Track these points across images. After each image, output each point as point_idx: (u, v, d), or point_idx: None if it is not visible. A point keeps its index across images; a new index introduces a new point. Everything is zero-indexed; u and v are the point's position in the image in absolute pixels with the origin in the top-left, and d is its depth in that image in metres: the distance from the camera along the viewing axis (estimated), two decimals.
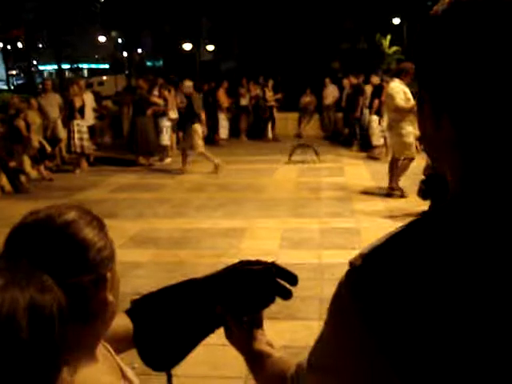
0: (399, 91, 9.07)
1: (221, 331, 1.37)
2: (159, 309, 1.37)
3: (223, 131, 17.14)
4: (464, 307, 0.74)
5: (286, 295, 1.29)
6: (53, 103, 13.51)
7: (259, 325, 1.37)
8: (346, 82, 16.54)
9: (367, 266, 0.81)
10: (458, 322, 0.74)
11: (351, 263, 0.83)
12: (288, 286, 1.30)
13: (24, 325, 0.68)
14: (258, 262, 1.34)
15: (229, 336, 1.37)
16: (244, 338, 1.34)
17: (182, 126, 12.65)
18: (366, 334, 0.78)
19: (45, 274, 0.79)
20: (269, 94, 17.84)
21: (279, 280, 1.31)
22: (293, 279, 1.30)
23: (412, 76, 8.89)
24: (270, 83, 18.28)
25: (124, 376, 1.27)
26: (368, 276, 0.80)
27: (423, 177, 6.40)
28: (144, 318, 1.36)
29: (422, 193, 6.13)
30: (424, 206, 8.04)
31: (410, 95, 8.94)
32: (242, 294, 1.32)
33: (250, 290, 1.32)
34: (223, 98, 17.03)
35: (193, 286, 1.39)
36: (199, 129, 12.09)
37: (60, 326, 0.75)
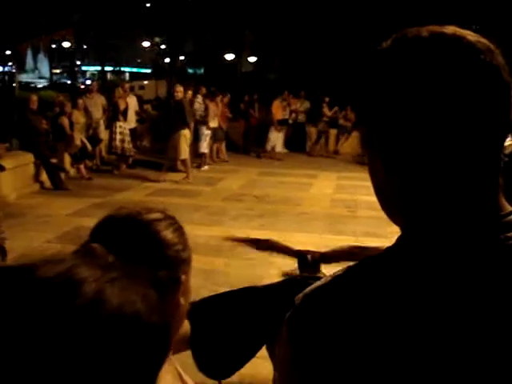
0: None
1: None
2: (218, 314, 1.36)
3: (278, 145, 16.93)
4: (382, 343, 0.77)
5: None
6: (97, 104, 13.71)
7: None
8: None
9: (304, 305, 0.86)
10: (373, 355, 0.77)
11: (295, 300, 0.88)
12: None
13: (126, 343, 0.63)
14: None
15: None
16: None
17: (169, 132, 12.41)
18: (294, 364, 0.84)
19: (153, 291, 0.77)
20: (326, 109, 17.70)
21: None
22: None
23: None
24: (327, 99, 18.11)
25: (181, 377, 1.27)
26: (303, 314, 0.85)
27: None
28: (202, 322, 1.35)
29: None
30: None
31: None
32: None
33: None
34: (277, 110, 16.90)
35: (253, 294, 1.38)
36: (187, 135, 12.07)
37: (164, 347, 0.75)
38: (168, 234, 1.14)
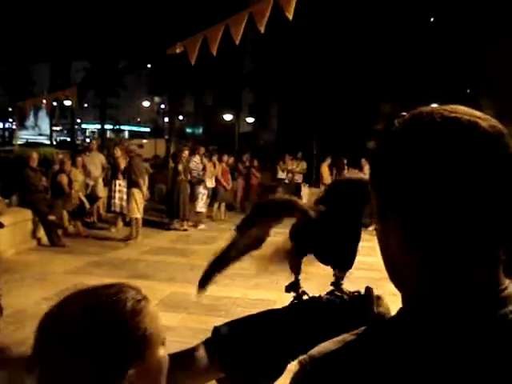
0: None
1: None
2: (246, 336, 1.40)
3: None
4: None
5: None
6: (96, 162, 13.90)
7: None
8: None
9: (314, 371, 0.87)
10: None
11: (300, 363, 0.89)
12: None
13: None
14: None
15: None
16: None
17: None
18: None
19: None
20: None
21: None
22: None
23: None
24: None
25: None
26: (312, 380, 0.87)
27: None
28: (232, 345, 1.40)
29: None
30: None
31: None
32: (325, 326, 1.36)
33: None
34: (326, 173, 17.09)
35: (275, 315, 1.44)
36: (137, 194, 12.11)
37: None
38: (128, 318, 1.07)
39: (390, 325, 0.90)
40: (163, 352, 1.13)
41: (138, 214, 12.12)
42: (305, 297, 1.47)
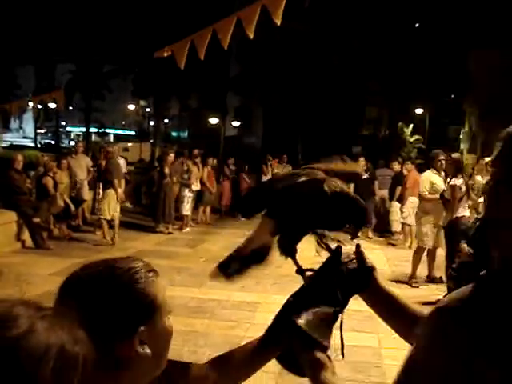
0: (424, 180, 9.33)
1: None
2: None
3: None
4: None
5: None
6: (82, 165, 13.88)
7: None
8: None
9: (457, 318, 0.99)
10: None
11: (437, 316, 1.03)
12: None
13: (49, 367, 0.79)
14: None
15: None
16: None
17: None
18: (474, 354, 0.95)
19: (81, 330, 0.88)
20: None
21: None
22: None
23: (439, 163, 9.15)
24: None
25: None
26: (472, 308, 0.99)
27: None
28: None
29: (454, 279, 6.26)
30: (439, 294, 8.10)
31: (438, 186, 9.09)
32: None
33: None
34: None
35: None
36: (111, 195, 12.01)
37: (82, 375, 0.85)
38: (129, 288, 1.18)
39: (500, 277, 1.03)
40: (170, 322, 1.25)
41: (108, 215, 11.97)
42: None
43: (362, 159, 14.42)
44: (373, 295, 1.53)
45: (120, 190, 12.18)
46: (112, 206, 11.98)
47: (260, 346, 1.48)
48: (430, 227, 9.20)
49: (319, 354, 1.37)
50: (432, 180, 9.22)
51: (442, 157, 9.24)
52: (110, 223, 12.34)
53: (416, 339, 1.04)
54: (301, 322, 1.39)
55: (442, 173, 9.33)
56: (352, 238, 1.53)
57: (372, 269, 1.54)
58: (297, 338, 1.39)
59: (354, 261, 1.55)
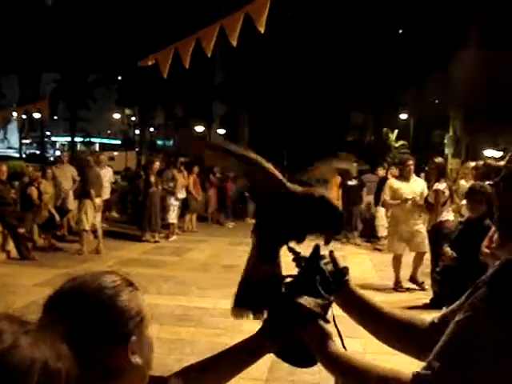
0: (386, 187, 9.50)
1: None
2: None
3: None
4: None
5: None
6: (67, 175, 13.80)
7: None
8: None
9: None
10: None
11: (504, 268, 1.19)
12: None
13: (34, 382, 0.80)
14: None
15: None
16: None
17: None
18: None
19: (64, 345, 0.89)
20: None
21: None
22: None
23: (407, 169, 9.24)
24: None
25: None
26: None
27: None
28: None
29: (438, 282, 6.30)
30: (425, 298, 8.13)
31: (403, 191, 9.16)
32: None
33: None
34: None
35: None
36: (88, 204, 11.85)
37: None
38: (120, 301, 1.20)
39: None
40: (150, 333, 1.27)
41: (86, 226, 11.83)
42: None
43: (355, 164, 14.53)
44: (346, 299, 1.55)
45: (98, 199, 12.04)
46: (90, 215, 11.83)
47: (237, 351, 1.51)
48: (397, 236, 9.27)
49: (323, 324, 1.42)
50: (393, 186, 9.32)
51: (410, 162, 9.34)
52: (94, 234, 12.27)
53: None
54: (301, 300, 1.45)
55: (421, 177, 9.41)
56: (326, 244, 1.54)
57: (345, 272, 1.56)
58: (299, 315, 1.44)
59: (331, 264, 1.56)
